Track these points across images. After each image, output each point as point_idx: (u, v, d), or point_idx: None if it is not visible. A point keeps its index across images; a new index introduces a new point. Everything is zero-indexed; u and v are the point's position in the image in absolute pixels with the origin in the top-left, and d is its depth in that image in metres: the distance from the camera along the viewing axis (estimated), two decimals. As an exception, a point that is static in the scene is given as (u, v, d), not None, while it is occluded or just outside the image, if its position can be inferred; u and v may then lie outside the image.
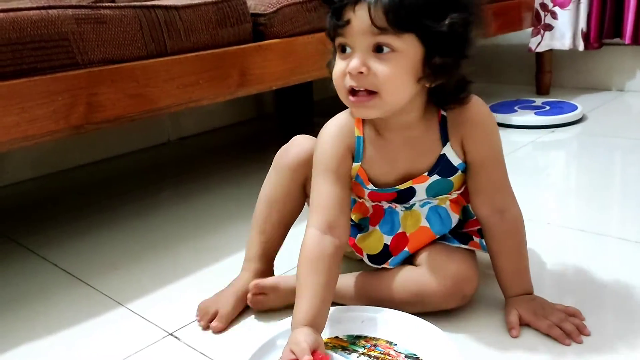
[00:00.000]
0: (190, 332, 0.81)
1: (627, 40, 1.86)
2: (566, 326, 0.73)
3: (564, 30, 1.95)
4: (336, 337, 0.74)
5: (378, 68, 0.66)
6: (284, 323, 0.73)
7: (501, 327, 0.76)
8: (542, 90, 2.11)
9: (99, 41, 0.94)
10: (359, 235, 0.83)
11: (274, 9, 1.22)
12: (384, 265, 0.81)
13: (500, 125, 1.62)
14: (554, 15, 1.96)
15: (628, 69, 2.06)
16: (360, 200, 0.83)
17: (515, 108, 1.84)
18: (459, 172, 0.77)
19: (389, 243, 0.81)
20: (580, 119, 1.75)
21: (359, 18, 0.66)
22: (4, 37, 0.83)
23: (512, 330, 0.74)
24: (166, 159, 1.80)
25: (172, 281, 0.96)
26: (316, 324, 0.68)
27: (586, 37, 1.94)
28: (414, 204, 0.80)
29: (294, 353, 0.63)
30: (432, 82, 0.69)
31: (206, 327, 0.81)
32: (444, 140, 0.75)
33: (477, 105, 0.75)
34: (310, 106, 2.14)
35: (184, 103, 1.03)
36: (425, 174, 0.76)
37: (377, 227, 0.81)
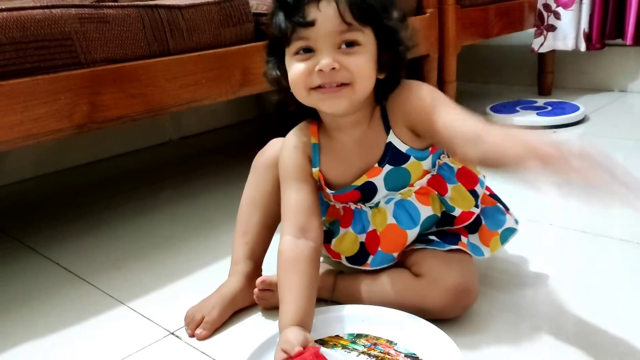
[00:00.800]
0: (191, 331, 0.81)
1: (629, 41, 1.85)
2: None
3: (567, 31, 1.95)
4: (337, 336, 0.74)
5: (350, 61, 0.68)
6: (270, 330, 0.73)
7: (501, 326, 0.76)
8: (544, 91, 2.11)
9: (102, 40, 0.94)
10: (333, 241, 0.83)
11: (277, 8, 1.22)
12: (364, 267, 0.81)
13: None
14: (557, 16, 1.95)
15: (630, 70, 2.06)
16: (332, 203, 0.84)
17: (517, 108, 1.84)
18: (412, 158, 0.77)
19: (364, 241, 0.81)
20: (582, 119, 1.75)
21: (326, 16, 0.67)
22: (8, 36, 0.84)
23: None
24: (168, 158, 1.80)
25: (174, 280, 0.96)
26: (304, 323, 0.69)
27: (588, 37, 1.94)
28: (379, 202, 0.80)
29: (285, 352, 0.63)
30: (385, 73, 0.73)
31: (192, 335, 0.80)
32: (387, 128, 0.76)
33: (409, 85, 0.76)
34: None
35: (186, 103, 1.03)
36: (376, 165, 0.77)
37: (350, 229, 0.82)
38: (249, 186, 0.90)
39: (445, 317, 0.75)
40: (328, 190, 0.80)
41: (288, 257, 0.74)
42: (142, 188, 1.48)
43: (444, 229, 0.81)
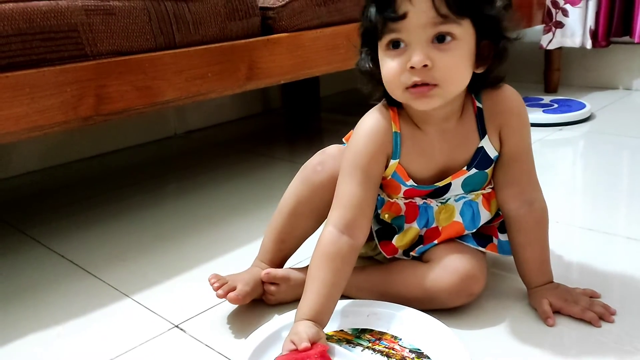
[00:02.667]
0: (196, 324, 0.81)
1: (637, 39, 1.84)
2: (596, 309, 0.75)
3: (575, 28, 1.94)
4: (341, 330, 0.74)
5: (441, 60, 0.64)
6: (289, 316, 0.73)
7: (506, 321, 0.76)
8: (550, 88, 2.10)
9: (108, 33, 0.94)
10: (396, 237, 0.81)
11: (283, 2, 1.21)
12: (412, 253, 0.80)
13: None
14: (565, 13, 1.95)
15: (636, 68, 2.05)
16: (392, 200, 0.80)
17: (523, 106, 1.83)
18: (493, 163, 0.76)
19: (423, 234, 0.80)
20: (588, 117, 1.74)
21: (418, 8, 0.63)
22: (14, 27, 0.83)
23: (548, 319, 0.74)
24: (173, 152, 1.80)
25: (178, 273, 0.96)
26: (319, 319, 0.68)
27: (594, 35, 1.93)
28: (449, 198, 0.79)
29: (293, 343, 0.63)
30: (485, 66, 0.69)
31: (224, 295, 0.78)
32: (482, 132, 0.74)
33: (513, 95, 0.74)
34: (316, 102, 2.14)
35: (192, 96, 1.03)
36: (465, 168, 0.75)
37: (415, 224, 0.80)
38: (295, 196, 0.83)
39: (452, 303, 0.76)
40: (410, 183, 0.76)
41: (325, 250, 0.71)
42: (147, 181, 1.48)
43: (477, 231, 0.81)
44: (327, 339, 0.70)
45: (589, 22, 1.92)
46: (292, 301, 0.82)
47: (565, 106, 1.81)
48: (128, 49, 0.97)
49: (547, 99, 1.93)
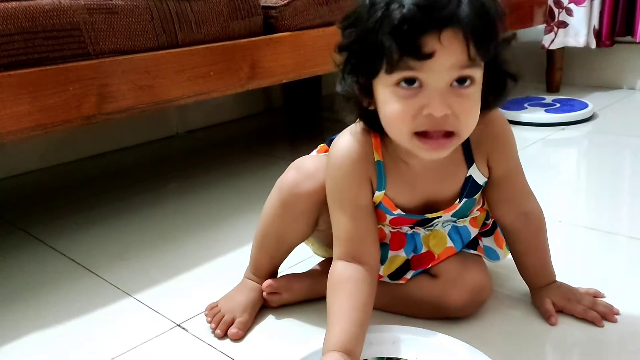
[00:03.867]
0: (198, 323, 0.81)
1: (638, 38, 1.84)
2: (599, 308, 0.75)
3: (579, 28, 1.93)
4: None
5: (461, 106, 0.57)
6: (316, 343, 0.67)
7: (507, 321, 0.76)
8: (552, 88, 2.10)
9: (111, 31, 0.94)
10: (382, 267, 0.77)
11: (285, 2, 1.21)
12: (401, 281, 0.77)
13: (510, 122, 1.61)
14: (569, 12, 1.94)
15: (639, 68, 2.04)
16: (379, 226, 0.76)
17: (525, 105, 1.83)
18: (482, 189, 0.74)
19: (409, 258, 0.77)
20: (590, 117, 1.74)
21: (448, 49, 0.54)
22: (17, 26, 0.83)
23: (550, 318, 0.74)
24: (174, 151, 1.80)
25: (180, 273, 0.96)
26: (349, 349, 0.62)
27: (598, 34, 1.93)
28: (437, 224, 0.77)
29: None
30: (489, 106, 0.63)
31: (223, 335, 0.77)
32: (469, 161, 0.70)
33: (499, 119, 0.70)
34: (318, 101, 2.13)
35: (194, 95, 1.03)
36: (457, 201, 0.72)
37: (402, 252, 0.77)
38: (277, 221, 0.77)
39: (463, 314, 0.76)
40: (398, 212, 0.72)
41: (337, 279, 0.68)
42: (149, 181, 1.48)
43: None
44: None
45: (594, 21, 1.91)
46: (296, 304, 0.82)
47: (568, 106, 1.80)
48: (130, 47, 0.97)
49: (549, 98, 1.92)
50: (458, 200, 0.72)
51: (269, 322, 0.81)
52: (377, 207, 0.72)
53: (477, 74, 0.58)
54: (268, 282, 0.81)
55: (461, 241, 0.77)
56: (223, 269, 0.96)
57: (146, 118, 1.82)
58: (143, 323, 0.82)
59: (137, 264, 1.01)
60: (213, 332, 0.78)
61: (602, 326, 0.73)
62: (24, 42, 0.84)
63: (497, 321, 0.77)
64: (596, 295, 0.78)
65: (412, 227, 0.77)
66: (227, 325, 0.77)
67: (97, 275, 0.97)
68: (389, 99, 0.59)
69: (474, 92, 0.59)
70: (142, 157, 1.73)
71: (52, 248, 1.09)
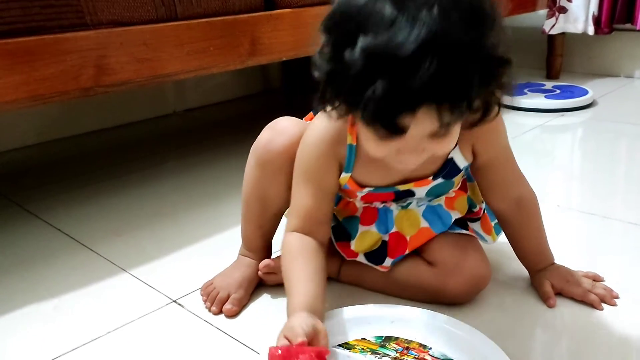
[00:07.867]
0: (193, 299, 0.81)
1: (638, 26, 1.83)
2: (598, 291, 0.75)
3: (578, 13, 1.92)
4: (363, 339, 0.67)
5: (438, 146, 0.58)
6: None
7: (506, 303, 0.76)
8: (552, 74, 2.09)
9: (109, 2, 0.92)
10: (353, 242, 0.77)
11: (287, -22, 1.19)
12: (382, 268, 0.77)
13: (509, 107, 1.60)
14: (569, -3, 1.93)
15: (638, 56, 2.03)
16: (350, 200, 0.77)
17: (525, 91, 1.82)
18: (462, 171, 0.73)
19: (387, 240, 0.77)
20: (590, 103, 1.73)
21: (421, 123, 0.53)
22: (13, -7, 0.81)
23: (549, 300, 0.74)
24: (171, 129, 1.78)
25: (176, 249, 0.96)
26: (313, 308, 0.63)
27: (597, 21, 1.91)
28: (411, 202, 0.76)
29: (287, 339, 0.58)
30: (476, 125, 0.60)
31: (218, 312, 0.77)
32: None
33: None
34: (317, 81, 2.12)
35: (193, 70, 1.01)
36: (430, 178, 0.72)
37: (373, 228, 0.77)
38: (255, 182, 0.79)
39: (462, 301, 0.75)
40: (366, 190, 0.72)
41: (294, 247, 0.70)
42: (146, 158, 1.47)
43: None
44: (349, 348, 0.65)
45: (592, 8, 1.90)
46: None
47: (568, 92, 1.80)
48: (129, 19, 0.95)
49: (549, 84, 1.92)
50: (432, 177, 0.71)
51: (265, 300, 0.80)
52: (344, 188, 0.73)
53: (456, 126, 0.58)
54: (265, 262, 0.80)
55: (441, 222, 0.75)
56: (219, 247, 0.95)
57: (144, 95, 1.81)
58: (139, 298, 0.82)
59: (133, 240, 1.00)
60: (209, 310, 0.78)
61: (602, 309, 0.73)
62: (21, 10, 0.82)
63: (496, 302, 0.77)
64: (595, 278, 0.78)
65: (383, 203, 0.76)
66: (222, 303, 0.77)
67: (92, 250, 0.97)
68: (365, 134, 0.59)
69: (455, 129, 0.58)
70: (140, 135, 1.72)
71: (47, 223, 1.08)
